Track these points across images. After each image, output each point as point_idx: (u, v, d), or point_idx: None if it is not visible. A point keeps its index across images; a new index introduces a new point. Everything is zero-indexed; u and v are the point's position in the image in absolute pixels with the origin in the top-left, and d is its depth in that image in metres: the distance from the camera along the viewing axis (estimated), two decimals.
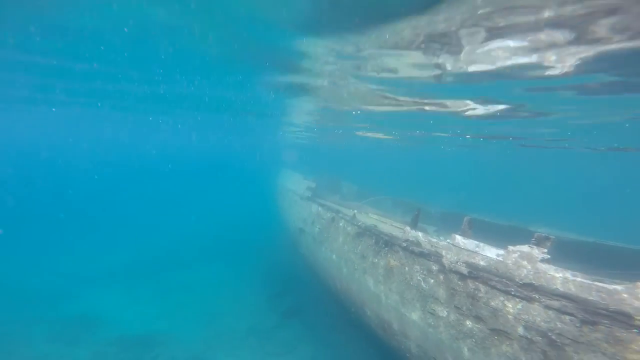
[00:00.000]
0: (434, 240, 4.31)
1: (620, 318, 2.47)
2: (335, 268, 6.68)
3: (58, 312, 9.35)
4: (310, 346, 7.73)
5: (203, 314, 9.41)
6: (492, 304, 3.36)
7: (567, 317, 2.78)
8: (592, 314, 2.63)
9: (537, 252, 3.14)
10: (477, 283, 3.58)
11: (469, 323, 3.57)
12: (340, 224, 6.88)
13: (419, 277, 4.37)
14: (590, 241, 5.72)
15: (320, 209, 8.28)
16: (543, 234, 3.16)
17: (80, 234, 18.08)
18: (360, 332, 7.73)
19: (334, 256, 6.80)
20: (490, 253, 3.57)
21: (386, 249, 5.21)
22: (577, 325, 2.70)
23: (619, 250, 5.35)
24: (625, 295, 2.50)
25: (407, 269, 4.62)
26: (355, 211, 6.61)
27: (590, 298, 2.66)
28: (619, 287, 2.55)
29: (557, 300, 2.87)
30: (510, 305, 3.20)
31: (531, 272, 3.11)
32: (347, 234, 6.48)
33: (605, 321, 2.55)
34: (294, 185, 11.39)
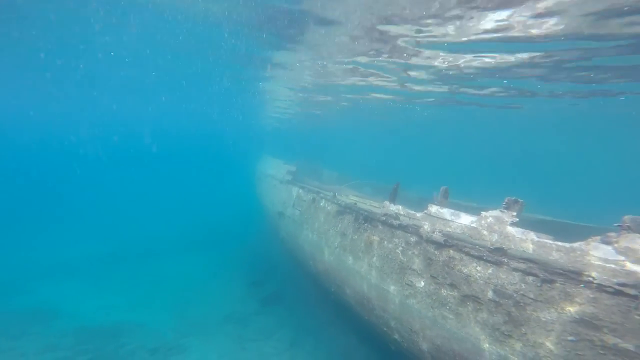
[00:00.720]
0: (412, 212, 4.41)
1: (572, 275, 2.68)
2: (315, 248, 6.70)
3: (7, 306, 8.66)
4: (290, 331, 7.83)
5: (176, 304, 9.21)
6: (465, 270, 3.52)
7: (531, 279, 2.97)
8: (550, 273, 2.82)
9: (507, 216, 3.30)
10: (451, 251, 3.73)
11: (444, 291, 3.73)
12: (321, 204, 6.87)
13: (397, 250, 4.48)
14: (546, 219, 5.93)
15: (300, 191, 8.21)
16: (513, 198, 3.32)
17: (45, 225, 17.23)
18: (341, 316, 7.97)
19: (314, 236, 6.81)
20: (464, 220, 3.71)
21: (366, 224, 5.27)
22: (538, 284, 2.90)
23: (570, 227, 5.49)
24: (579, 253, 2.70)
25: (386, 243, 4.72)
26: (336, 192, 6.61)
27: (550, 258, 2.85)
28: (575, 245, 2.75)
29: (523, 262, 3.06)
30: (481, 271, 3.37)
31: (501, 237, 3.28)
32: (328, 213, 6.49)
33: (560, 279, 2.75)
34: (274, 171, 11.19)
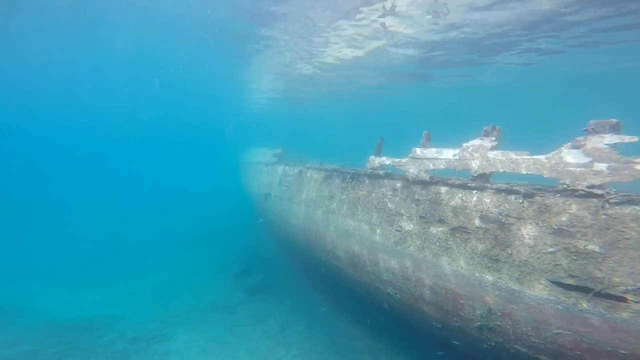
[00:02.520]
0: (397, 159, 4.63)
1: (549, 187, 2.94)
2: (305, 219, 6.81)
3: None
4: (280, 316, 7.89)
5: (158, 298, 9.12)
6: (452, 202, 3.74)
7: (513, 197, 3.22)
8: (530, 187, 3.08)
9: (487, 142, 3.56)
10: (437, 186, 3.95)
11: (433, 229, 3.94)
12: (308, 174, 7.01)
13: (385, 199, 4.67)
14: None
15: (286, 167, 8.32)
16: (490, 126, 3.59)
17: (27, 226, 17.49)
18: (331, 294, 8.07)
19: (302, 207, 6.93)
20: (448, 155, 3.95)
21: (353, 182, 5.45)
22: (520, 201, 3.15)
23: None
24: (553, 162, 2.97)
25: (373, 195, 4.91)
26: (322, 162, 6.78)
27: (526, 171, 3.11)
28: (550, 155, 3.02)
29: (505, 183, 3.31)
30: (467, 199, 3.60)
31: (483, 162, 3.53)
32: (315, 181, 6.64)
33: (539, 192, 3.01)
34: (259, 157, 11.31)
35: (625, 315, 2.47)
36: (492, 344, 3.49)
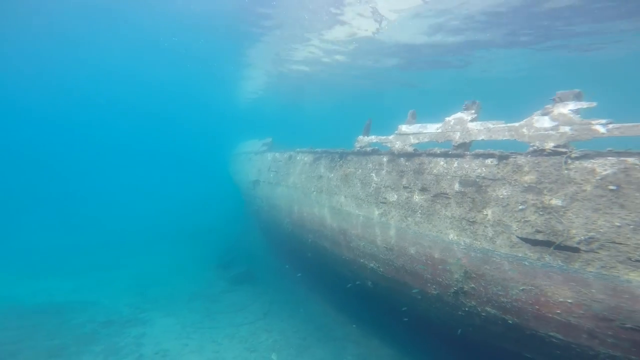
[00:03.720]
0: (384, 137, 4.94)
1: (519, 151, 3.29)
2: (293, 201, 7.01)
3: None
4: (263, 304, 7.97)
5: (137, 286, 9.07)
6: (435, 170, 4.05)
7: (489, 160, 3.56)
8: (504, 151, 3.43)
9: (467, 115, 3.92)
10: (421, 157, 4.27)
11: (416, 197, 4.23)
12: (298, 157, 7.25)
13: (371, 174, 4.95)
14: None
15: (276, 154, 8.55)
16: (470, 100, 3.95)
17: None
18: (316, 282, 8.21)
19: (291, 191, 7.14)
20: (431, 129, 4.29)
21: (341, 161, 5.72)
22: (496, 163, 3.48)
23: None
24: (525, 128, 3.33)
25: (360, 171, 5.19)
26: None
27: (502, 138, 3.46)
28: (522, 122, 3.38)
29: (483, 150, 3.64)
30: (448, 167, 3.92)
31: (463, 133, 3.87)
32: (304, 164, 6.88)
33: (513, 154, 3.36)
34: (249, 148, 11.54)
35: (577, 265, 2.79)
36: (466, 309, 3.75)
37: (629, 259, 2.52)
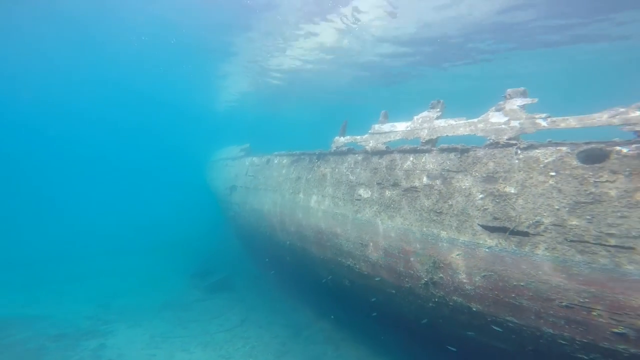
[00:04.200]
0: (358, 137, 5.22)
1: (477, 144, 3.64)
2: (271, 205, 7.08)
3: None
4: (241, 311, 7.91)
5: (99, 298, 8.61)
6: (405, 166, 4.34)
7: (453, 154, 3.88)
8: (465, 146, 3.77)
9: (433, 114, 4.27)
10: (392, 154, 4.55)
11: (388, 193, 4.48)
12: (276, 161, 7.40)
13: (347, 172, 5.18)
14: None
15: (254, 158, 8.66)
16: (436, 100, 4.32)
17: None
18: (295, 288, 8.19)
19: (269, 193, 7.22)
20: (401, 127, 4.61)
21: (318, 162, 5.94)
22: (458, 156, 3.81)
23: None
24: (482, 123, 3.70)
25: (337, 170, 5.41)
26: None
27: (464, 133, 3.82)
28: (480, 117, 3.75)
29: (446, 146, 3.98)
30: (417, 162, 4.21)
31: (430, 130, 4.20)
32: (282, 166, 7.03)
33: (473, 148, 3.70)
34: (227, 154, 11.57)
35: (527, 249, 3.08)
36: (436, 299, 3.96)
37: (566, 239, 2.84)
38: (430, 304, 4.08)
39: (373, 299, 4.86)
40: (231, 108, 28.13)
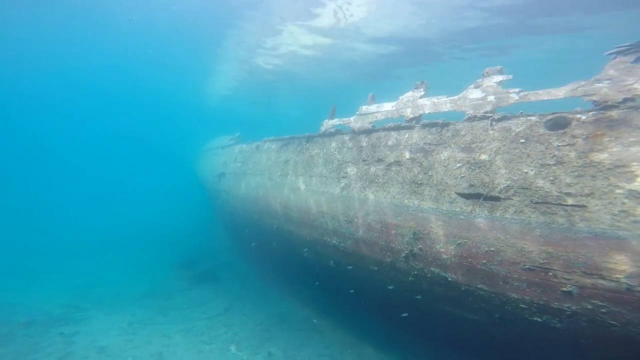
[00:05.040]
0: (346, 118, 5.52)
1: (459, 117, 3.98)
2: (259, 188, 7.28)
3: None
4: (225, 300, 7.98)
5: (77, 287, 8.58)
6: (390, 142, 4.64)
7: (434, 129, 4.20)
8: (445, 121, 4.10)
9: (417, 93, 4.60)
10: (377, 132, 4.86)
11: (372, 168, 4.76)
12: (265, 146, 7.63)
13: (334, 152, 5.45)
14: None
15: (244, 145, 8.87)
16: (420, 81, 4.66)
17: None
18: (282, 276, 8.34)
19: (258, 177, 7.43)
20: (387, 107, 4.93)
21: (307, 144, 6.20)
22: (439, 130, 4.13)
23: None
24: (462, 100, 4.03)
25: (325, 150, 5.68)
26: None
27: (446, 109, 4.15)
28: (460, 95, 4.09)
29: (427, 122, 4.30)
30: (400, 137, 4.52)
31: (414, 108, 4.52)
32: (272, 150, 7.27)
33: (452, 122, 4.03)
34: (217, 144, 11.75)
35: (498, 213, 3.39)
36: (415, 272, 4.22)
37: (532, 202, 3.15)
38: (410, 278, 4.33)
39: (349, 266, 5.09)
40: (225, 98, 28.22)
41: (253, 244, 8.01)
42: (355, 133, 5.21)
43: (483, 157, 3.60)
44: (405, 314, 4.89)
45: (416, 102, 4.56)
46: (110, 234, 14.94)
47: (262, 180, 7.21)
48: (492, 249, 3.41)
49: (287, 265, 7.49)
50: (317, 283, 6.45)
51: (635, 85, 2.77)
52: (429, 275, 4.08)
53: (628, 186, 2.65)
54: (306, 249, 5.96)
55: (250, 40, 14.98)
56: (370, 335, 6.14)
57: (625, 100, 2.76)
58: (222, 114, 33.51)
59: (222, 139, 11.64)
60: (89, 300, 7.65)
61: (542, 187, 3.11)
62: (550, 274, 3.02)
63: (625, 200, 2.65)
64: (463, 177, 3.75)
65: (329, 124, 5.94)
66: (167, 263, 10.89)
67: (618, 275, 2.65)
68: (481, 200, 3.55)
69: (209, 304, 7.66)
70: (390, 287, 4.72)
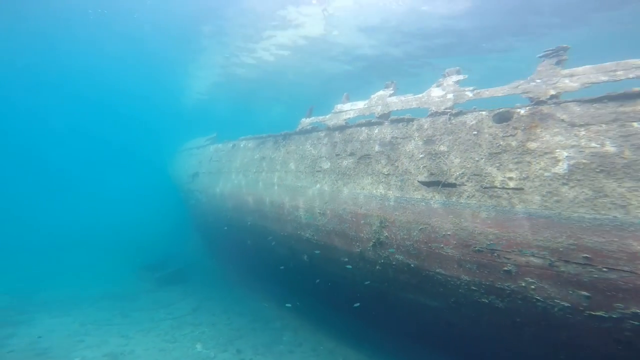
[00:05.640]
0: (322, 117, 5.90)
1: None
2: (234, 186, 7.42)
3: None
4: (193, 300, 7.87)
5: (20, 290, 8.05)
6: (361, 137, 5.03)
7: (401, 124, 4.65)
8: (411, 117, 4.55)
9: (387, 92, 5.07)
10: (350, 129, 5.25)
11: (344, 162, 5.11)
12: (242, 144, 7.84)
13: (309, 147, 5.77)
14: None
15: (219, 145, 9.02)
16: (389, 81, 5.15)
17: None
18: (255, 277, 8.35)
19: (233, 176, 7.57)
20: (360, 105, 5.36)
21: (284, 142, 6.50)
22: (405, 125, 4.57)
23: None
24: (425, 97, 4.52)
25: (301, 147, 6.00)
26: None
27: (412, 107, 4.62)
28: (424, 93, 4.58)
29: (395, 117, 4.75)
30: (370, 132, 4.92)
31: (384, 106, 4.97)
32: (248, 149, 7.49)
33: (417, 119, 4.49)
34: (192, 145, 11.77)
35: (454, 199, 3.80)
36: (382, 261, 4.52)
37: (482, 187, 3.59)
38: (378, 267, 4.62)
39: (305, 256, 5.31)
40: (201, 101, 28.00)
41: (226, 242, 8.02)
42: (330, 130, 5.58)
43: (442, 148, 4.05)
44: (357, 304, 5.13)
45: (386, 100, 5.02)
46: (76, 236, 14.23)
47: (237, 178, 7.37)
48: (449, 232, 3.79)
49: (260, 263, 7.56)
50: (288, 275, 6.57)
51: (559, 84, 3.33)
52: (394, 263, 4.39)
53: (553, 170, 3.14)
54: (271, 238, 6.12)
55: (230, 40, 15.14)
56: (344, 332, 6.29)
57: (552, 97, 3.31)
58: (199, 116, 33.22)
59: (197, 140, 11.70)
60: (33, 303, 7.23)
61: (490, 173, 3.56)
62: (495, 254, 3.41)
63: (551, 182, 3.13)
64: (425, 166, 4.17)
65: (305, 122, 6.29)
66: (134, 265, 10.52)
67: (544, 252, 3.08)
68: (440, 187, 3.96)
69: (175, 304, 7.50)
70: (366, 283, 4.96)
